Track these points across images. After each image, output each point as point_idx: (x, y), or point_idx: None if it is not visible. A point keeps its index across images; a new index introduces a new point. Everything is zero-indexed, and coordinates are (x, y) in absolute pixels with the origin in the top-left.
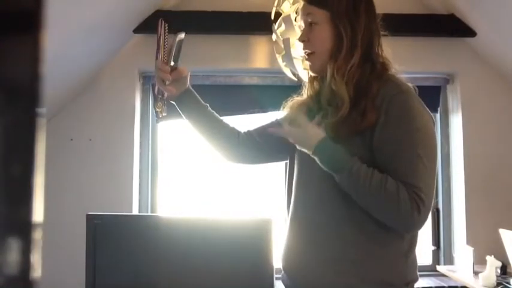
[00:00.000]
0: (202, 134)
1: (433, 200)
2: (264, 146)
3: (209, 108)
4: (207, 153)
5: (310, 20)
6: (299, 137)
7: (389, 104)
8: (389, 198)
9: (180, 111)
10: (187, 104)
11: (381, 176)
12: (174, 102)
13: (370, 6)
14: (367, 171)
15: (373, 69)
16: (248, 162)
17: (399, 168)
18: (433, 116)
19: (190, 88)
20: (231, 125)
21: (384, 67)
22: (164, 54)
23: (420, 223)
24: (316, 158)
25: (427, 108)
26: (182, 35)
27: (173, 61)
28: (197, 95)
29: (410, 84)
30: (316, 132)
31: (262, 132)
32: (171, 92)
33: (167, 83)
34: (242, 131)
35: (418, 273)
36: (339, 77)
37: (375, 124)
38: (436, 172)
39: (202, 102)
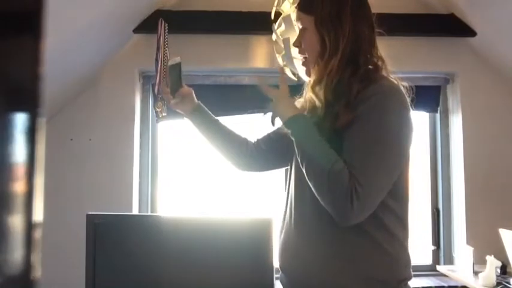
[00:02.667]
0: (214, 146)
1: (375, 200)
2: (269, 154)
3: (219, 122)
4: (207, 153)
5: (301, 26)
6: (277, 105)
7: (364, 104)
8: (330, 178)
9: (195, 127)
10: (198, 120)
11: (334, 157)
12: (188, 119)
13: (360, 8)
14: (326, 148)
15: (356, 71)
16: (256, 170)
17: (349, 158)
18: (412, 125)
19: (200, 104)
20: (242, 135)
21: (376, 68)
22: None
23: (352, 216)
24: (289, 130)
25: (410, 114)
26: (178, 59)
27: (175, 84)
28: (208, 111)
29: (405, 84)
30: (293, 108)
31: (267, 141)
32: (181, 110)
33: (173, 103)
34: (251, 141)
35: (419, 273)
36: (318, 81)
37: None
38: (390, 174)
39: (213, 116)
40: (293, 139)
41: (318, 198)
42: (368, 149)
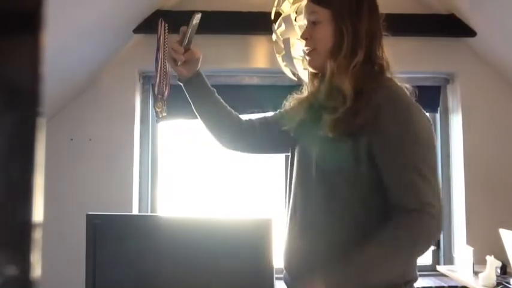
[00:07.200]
0: (204, 119)
1: (442, 207)
2: (263, 138)
3: (216, 94)
4: (207, 153)
5: (313, 19)
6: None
7: (385, 112)
8: (411, 244)
9: (187, 94)
10: (195, 87)
11: (390, 233)
12: (182, 84)
13: (374, 6)
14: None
15: (372, 70)
16: (246, 151)
17: (406, 188)
18: (429, 119)
19: (200, 72)
20: (234, 112)
21: (381, 69)
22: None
23: (439, 232)
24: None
25: (424, 111)
26: (199, 16)
27: (189, 43)
28: (206, 79)
29: (408, 86)
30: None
31: (263, 124)
32: (182, 73)
33: (179, 63)
34: (244, 120)
35: (418, 273)
36: (342, 75)
37: (366, 128)
38: (438, 180)
39: (210, 86)
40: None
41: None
42: (417, 171)
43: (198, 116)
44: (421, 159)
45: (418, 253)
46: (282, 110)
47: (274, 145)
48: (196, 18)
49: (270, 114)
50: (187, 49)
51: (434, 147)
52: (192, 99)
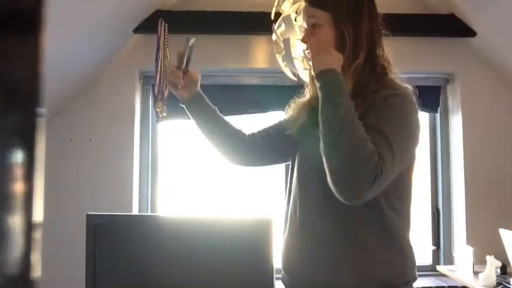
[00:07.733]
0: (208, 137)
1: (387, 183)
2: (267, 148)
3: (217, 111)
4: (207, 153)
5: (313, 22)
6: (317, 56)
7: (381, 101)
8: (364, 149)
9: (190, 115)
10: (197, 108)
11: (362, 128)
12: (183, 105)
13: (373, 6)
14: (355, 116)
15: (373, 70)
16: (251, 164)
17: (372, 138)
18: (420, 124)
19: (201, 92)
20: (237, 127)
21: (383, 70)
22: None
23: (366, 196)
24: (317, 83)
25: (418, 115)
26: (193, 40)
27: (186, 66)
28: (206, 99)
29: (409, 86)
30: (333, 61)
31: (265, 135)
32: (183, 96)
33: (179, 87)
34: (247, 134)
35: (418, 273)
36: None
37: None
38: (405, 161)
39: (212, 105)
40: (320, 95)
41: (332, 167)
42: (390, 133)
43: (203, 135)
44: (398, 142)
45: (341, 165)
46: (283, 120)
47: (278, 155)
48: (191, 41)
49: (270, 124)
50: (185, 71)
51: (413, 146)
52: (195, 120)
